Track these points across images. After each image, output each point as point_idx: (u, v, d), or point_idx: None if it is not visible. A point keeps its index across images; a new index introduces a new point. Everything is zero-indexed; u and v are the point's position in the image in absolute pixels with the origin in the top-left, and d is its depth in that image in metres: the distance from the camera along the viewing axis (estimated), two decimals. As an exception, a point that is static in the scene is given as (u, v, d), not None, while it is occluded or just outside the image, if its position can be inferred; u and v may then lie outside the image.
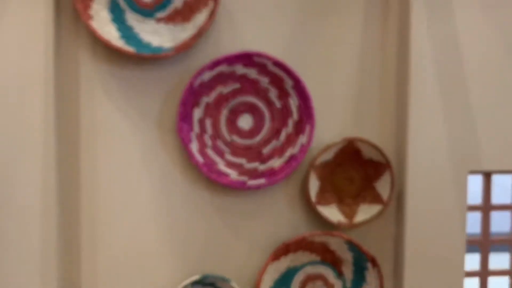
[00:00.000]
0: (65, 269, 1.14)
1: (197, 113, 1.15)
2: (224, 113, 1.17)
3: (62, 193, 1.12)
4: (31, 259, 1.08)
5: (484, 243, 1.35)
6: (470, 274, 1.33)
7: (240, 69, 1.15)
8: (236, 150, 1.18)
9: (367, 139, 1.19)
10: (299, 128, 1.18)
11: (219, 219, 1.20)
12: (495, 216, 1.39)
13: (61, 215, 1.12)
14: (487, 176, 1.33)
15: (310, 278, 1.23)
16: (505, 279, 1.40)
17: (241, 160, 1.18)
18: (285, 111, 1.18)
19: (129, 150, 1.16)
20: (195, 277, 1.15)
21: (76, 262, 1.15)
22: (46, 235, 1.08)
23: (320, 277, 1.24)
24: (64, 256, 1.14)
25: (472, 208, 1.31)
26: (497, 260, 1.49)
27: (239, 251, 1.21)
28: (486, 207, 1.34)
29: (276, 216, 1.23)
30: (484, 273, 1.36)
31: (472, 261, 1.42)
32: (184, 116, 1.13)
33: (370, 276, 1.22)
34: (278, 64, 1.14)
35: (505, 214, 1.42)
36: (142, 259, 1.17)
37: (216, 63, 1.12)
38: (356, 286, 1.24)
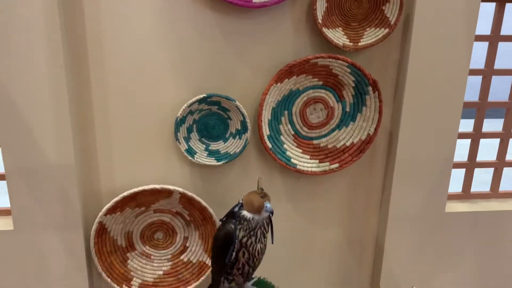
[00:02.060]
0: (75, 85, 1.19)
1: None
2: None
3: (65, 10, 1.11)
4: (39, 64, 1.12)
5: (487, 74, 1.36)
6: (469, 104, 1.37)
7: None
8: (241, -34, 1.13)
9: (380, -44, 1.12)
10: None
11: (223, 40, 1.20)
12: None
13: (65, 30, 1.12)
14: (501, 3, 1.29)
15: (311, 101, 1.27)
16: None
17: (246, -22, 1.14)
18: None
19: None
20: (201, 96, 1.20)
21: (85, 81, 1.19)
22: (52, 49, 1.10)
23: (321, 100, 1.28)
24: (72, 74, 1.17)
25: (480, 38, 1.29)
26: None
27: (243, 73, 1.24)
28: (495, 38, 1.32)
29: (281, 39, 1.22)
30: (483, 104, 1.39)
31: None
32: None
33: (370, 100, 1.26)
34: None
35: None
36: (148, 77, 1.21)
37: None
38: (356, 110, 1.28)
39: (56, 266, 1.28)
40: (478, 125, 1.41)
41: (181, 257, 1.38)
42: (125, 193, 1.24)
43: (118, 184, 1.29)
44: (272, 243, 1.04)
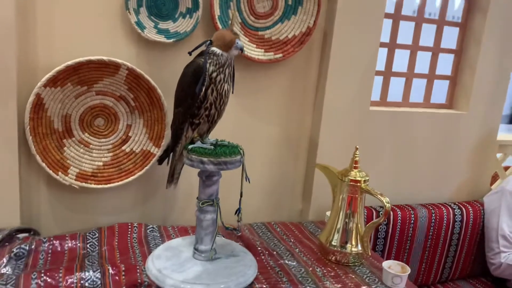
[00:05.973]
0: None
1: None
2: None
3: None
4: None
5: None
6: (387, 15, 1.56)
7: None
8: None
9: None
10: None
11: None
12: None
13: None
14: None
15: (259, -11, 1.35)
16: None
17: None
18: None
19: None
20: (154, -34, 1.19)
21: None
22: None
23: (268, -12, 1.36)
24: None
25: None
26: None
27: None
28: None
29: None
30: (398, 16, 1.60)
31: None
32: None
33: (311, -7, 1.38)
34: None
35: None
36: None
37: None
38: (297, 3, 1.38)
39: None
40: (393, 37, 1.62)
41: (123, 148, 1.31)
42: (69, 62, 1.17)
43: (58, 58, 1.19)
44: (232, 92, 1.07)
